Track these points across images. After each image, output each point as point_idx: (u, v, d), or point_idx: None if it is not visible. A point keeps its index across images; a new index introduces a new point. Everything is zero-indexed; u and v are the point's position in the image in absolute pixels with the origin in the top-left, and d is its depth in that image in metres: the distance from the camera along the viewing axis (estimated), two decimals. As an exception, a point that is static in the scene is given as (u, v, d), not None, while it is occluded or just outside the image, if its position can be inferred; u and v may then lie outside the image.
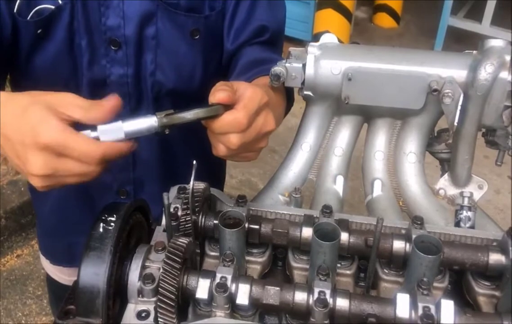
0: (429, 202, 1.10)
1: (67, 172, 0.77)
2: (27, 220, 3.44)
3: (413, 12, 6.89)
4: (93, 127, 0.79)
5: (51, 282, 1.59)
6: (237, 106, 0.84)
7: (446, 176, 1.14)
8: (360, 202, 1.36)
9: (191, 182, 0.77)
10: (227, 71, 1.29)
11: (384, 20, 6.72)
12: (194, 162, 0.76)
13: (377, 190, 1.12)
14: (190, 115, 0.83)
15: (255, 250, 0.90)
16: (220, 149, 0.87)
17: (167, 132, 0.84)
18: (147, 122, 0.82)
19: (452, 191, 1.13)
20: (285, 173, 1.15)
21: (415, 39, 6.52)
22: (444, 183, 1.14)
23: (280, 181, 1.14)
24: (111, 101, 0.80)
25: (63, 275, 1.51)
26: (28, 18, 1.07)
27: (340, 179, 1.13)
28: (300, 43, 5.62)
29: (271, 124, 0.90)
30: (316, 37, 4.87)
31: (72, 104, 0.77)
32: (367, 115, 1.15)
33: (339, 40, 1.12)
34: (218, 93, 0.84)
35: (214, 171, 1.51)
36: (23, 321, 2.98)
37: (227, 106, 0.84)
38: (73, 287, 0.95)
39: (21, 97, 0.79)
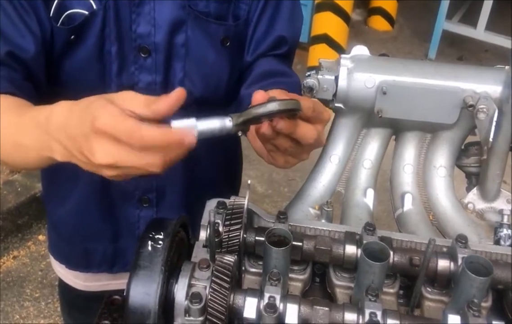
0: (461, 217, 1.09)
1: (129, 161, 0.73)
2: (23, 220, 3.39)
3: (407, 15, 6.92)
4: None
5: (64, 288, 1.54)
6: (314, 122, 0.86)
7: (474, 190, 1.14)
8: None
9: (246, 201, 0.75)
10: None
11: (378, 23, 6.73)
12: (250, 181, 0.75)
13: (408, 204, 1.11)
14: (271, 106, 0.76)
15: (296, 267, 0.89)
16: (283, 162, 0.89)
17: (240, 135, 0.82)
18: (220, 123, 0.79)
19: (481, 205, 1.13)
20: (314, 186, 1.14)
21: (409, 42, 6.55)
22: (472, 197, 1.14)
23: (309, 194, 1.13)
24: (175, 93, 0.77)
25: (78, 280, 1.47)
26: (59, 23, 1.05)
27: (371, 192, 1.13)
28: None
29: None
30: (314, 40, 4.87)
31: (134, 98, 0.76)
32: (396, 128, 1.15)
33: (337, 44, 1.12)
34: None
35: (231, 180, 1.50)
36: (20, 324, 2.94)
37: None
38: (106, 301, 0.93)
39: (87, 98, 0.79)
